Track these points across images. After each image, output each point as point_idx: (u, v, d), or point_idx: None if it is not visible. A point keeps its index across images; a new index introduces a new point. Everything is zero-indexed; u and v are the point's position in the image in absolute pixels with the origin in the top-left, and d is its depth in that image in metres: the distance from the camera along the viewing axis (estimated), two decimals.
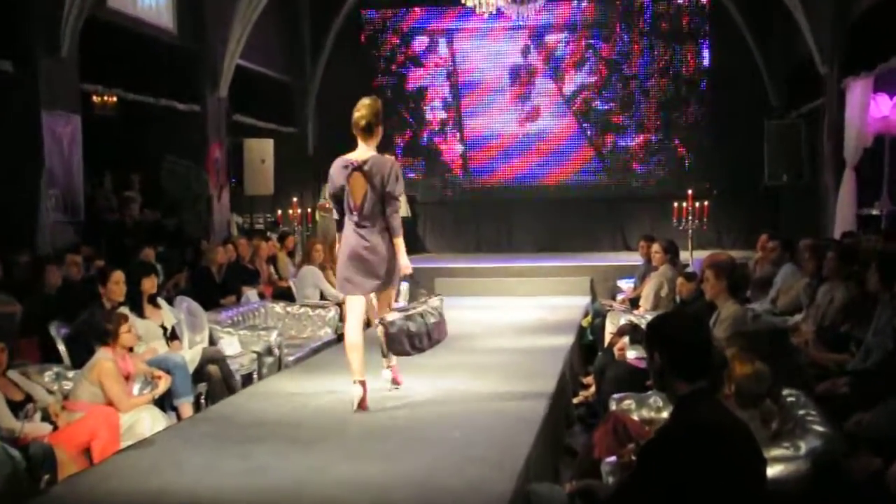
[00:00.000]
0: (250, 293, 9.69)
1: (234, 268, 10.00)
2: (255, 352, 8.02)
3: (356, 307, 5.96)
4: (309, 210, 14.17)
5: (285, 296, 10.23)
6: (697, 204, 12.11)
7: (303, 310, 9.76)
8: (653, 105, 16.14)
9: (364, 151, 5.87)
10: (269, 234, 12.50)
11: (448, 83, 16.66)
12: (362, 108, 5.87)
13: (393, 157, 6.13)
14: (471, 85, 16.57)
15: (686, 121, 16.07)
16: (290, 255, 11.78)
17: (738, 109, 15.22)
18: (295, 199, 13.02)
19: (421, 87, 16.70)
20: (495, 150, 16.50)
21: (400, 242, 5.87)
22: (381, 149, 6.00)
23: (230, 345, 7.85)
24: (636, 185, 16.16)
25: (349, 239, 5.87)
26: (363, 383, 5.81)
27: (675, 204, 12.14)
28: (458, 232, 16.23)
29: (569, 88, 16.32)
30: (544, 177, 16.39)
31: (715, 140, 15.78)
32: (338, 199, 5.92)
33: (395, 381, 6.33)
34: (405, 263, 5.90)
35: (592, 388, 7.62)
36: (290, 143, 15.49)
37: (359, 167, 5.81)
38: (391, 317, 5.83)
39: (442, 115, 16.67)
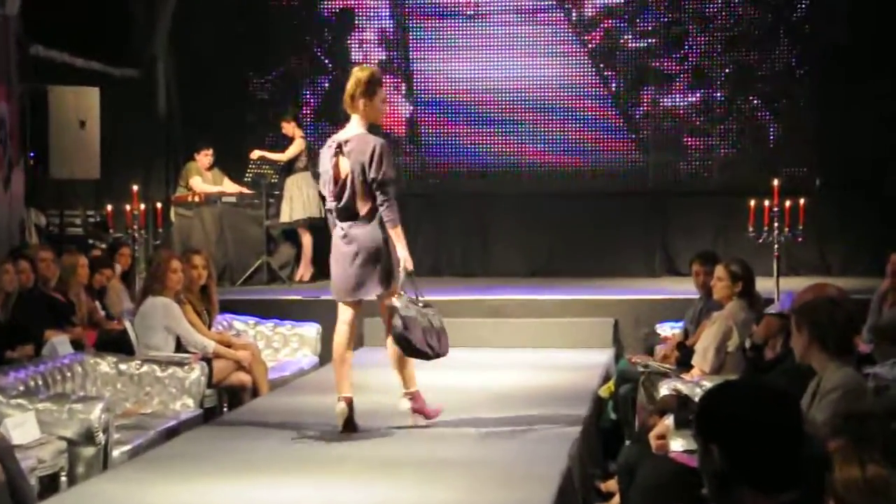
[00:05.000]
0: (58, 340, 9.63)
1: (32, 299, 9.99)
2: (64, 438, 7.95)
3: (342, 314, 8.13)
4: (159, 205, 14.06)
5: (117, 345, 10.18)
6: (789, 203, 12.18)
7: (146, 368, 9.70)
8: (718, 42, 16.27)
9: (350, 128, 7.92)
10: (92, 242, 12.42)
11: (388, 5, 16.69)
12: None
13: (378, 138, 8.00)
14: (425, 9, 16.64)
15: (773, 69, 16.22)
16: (126, 277, 11.71)
17: (857, 52, 15.37)
18: (135, 188, 12.95)
19: (345, 9, 16.73)
20: (462, 113, 16.57)
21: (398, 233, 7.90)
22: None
23: (22, 426, 7.78)
24: (688, 170, 16.29)
25: (333, 237, 8.03)
26: (348, 400, 7.81)
27: (753, 202, 12.23)
28: None
29: (583, 13, 16.42)
30: (539, 156, 16.46)
31: (820, 102, 15.93)
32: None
33: (421, 413, 8.00)
34: (404, 256, 7.94)
35: (616, 499, 7.66)
36: (127, 95, 15.40)
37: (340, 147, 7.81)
38: (399, 301, 7.81)
39: (380, 55, 16.71)
